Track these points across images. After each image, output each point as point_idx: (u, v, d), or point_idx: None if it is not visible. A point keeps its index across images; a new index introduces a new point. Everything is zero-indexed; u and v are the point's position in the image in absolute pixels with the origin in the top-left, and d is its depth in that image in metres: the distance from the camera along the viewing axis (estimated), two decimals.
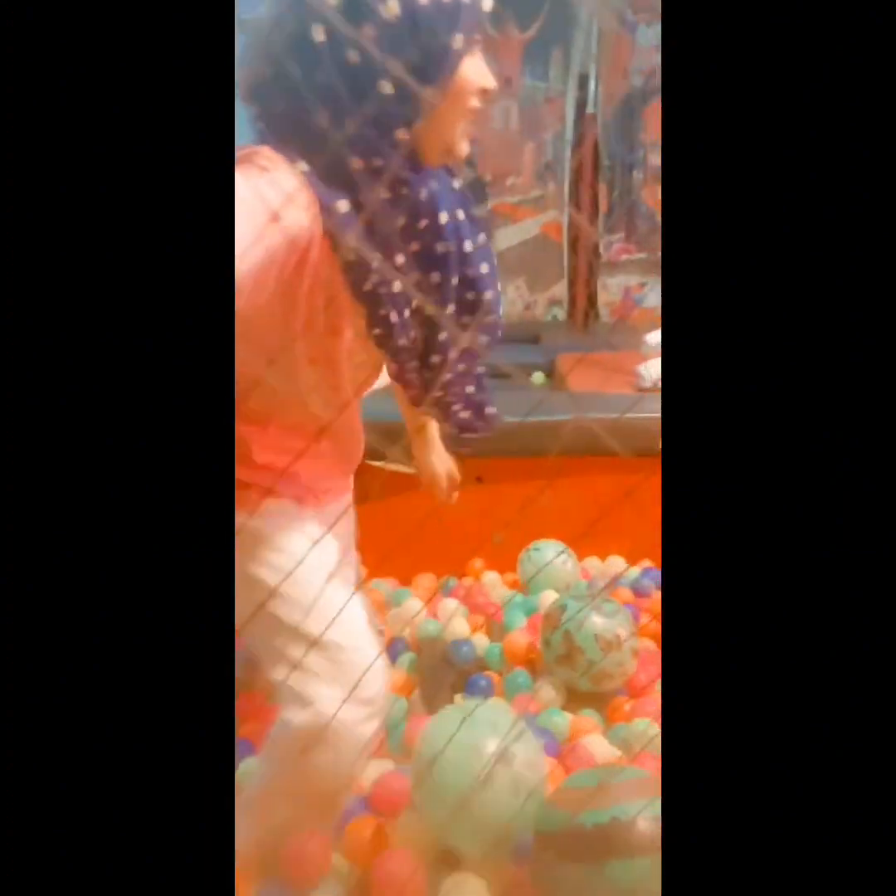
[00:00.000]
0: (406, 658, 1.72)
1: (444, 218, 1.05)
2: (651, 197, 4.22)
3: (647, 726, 1.42)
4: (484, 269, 1.13)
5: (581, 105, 4.23)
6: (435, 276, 1.07)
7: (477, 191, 1.13)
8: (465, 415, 1.28)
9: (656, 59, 4.15)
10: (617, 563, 2.16)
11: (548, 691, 1.54)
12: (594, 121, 4.18)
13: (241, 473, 1.04)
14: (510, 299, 4.61)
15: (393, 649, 1.71)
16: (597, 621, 1.50)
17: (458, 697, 1.56)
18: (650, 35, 4.18)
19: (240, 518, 0.85)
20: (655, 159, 4.21)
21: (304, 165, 0.93)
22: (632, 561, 2.09)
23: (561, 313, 4.46)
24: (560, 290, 4.46)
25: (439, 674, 1.59)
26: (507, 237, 4.56)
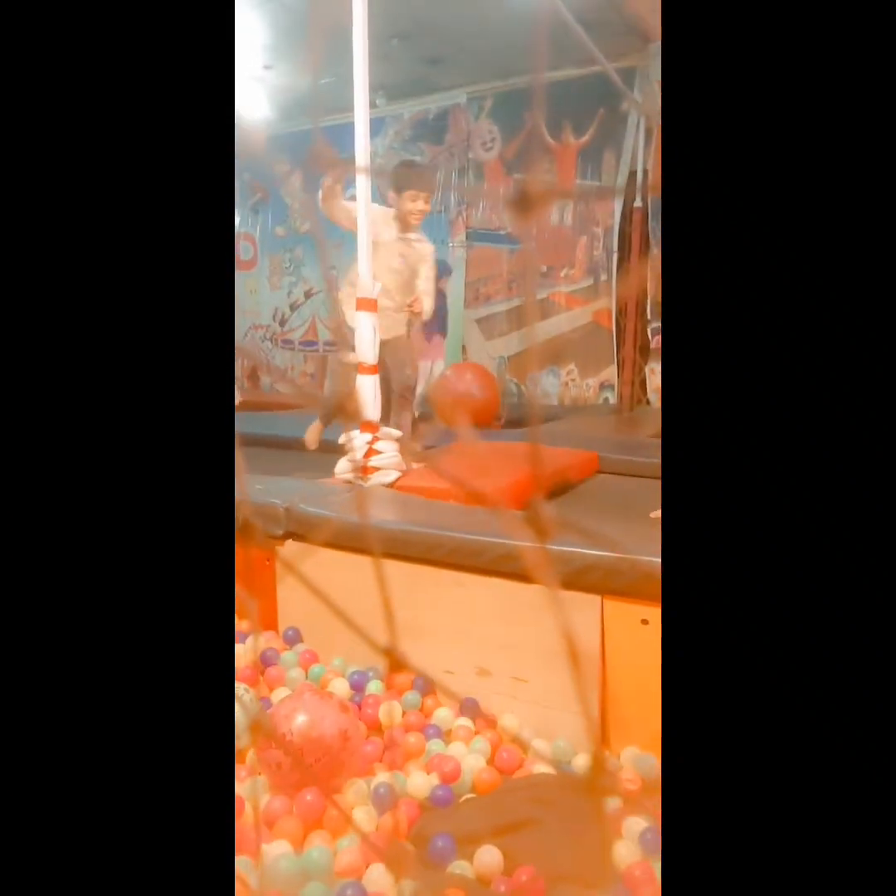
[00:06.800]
0: None
1: None
2: None
3: None
4: None
5: (630, 200, 4.45)
6: None
7: None
8: None
9: None
10: None
11: None
12: (642, 214, 4.39)
13: None
14: (562, 382, 4.75)
15: None
16: None
17: None
18: None
19: None
20: None
21: None
22: None
23: (612, 397, 4.57)
24: (611, 375, 4.59)
25: None
26: (559, 325, 4.74)
